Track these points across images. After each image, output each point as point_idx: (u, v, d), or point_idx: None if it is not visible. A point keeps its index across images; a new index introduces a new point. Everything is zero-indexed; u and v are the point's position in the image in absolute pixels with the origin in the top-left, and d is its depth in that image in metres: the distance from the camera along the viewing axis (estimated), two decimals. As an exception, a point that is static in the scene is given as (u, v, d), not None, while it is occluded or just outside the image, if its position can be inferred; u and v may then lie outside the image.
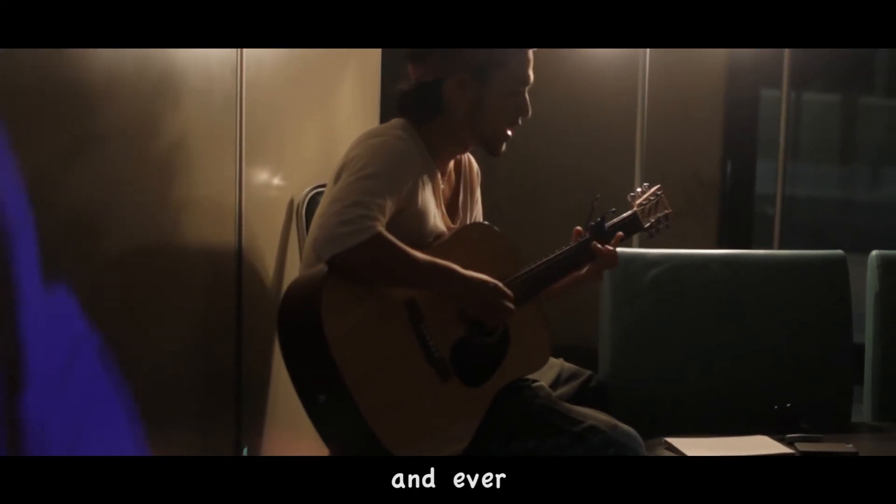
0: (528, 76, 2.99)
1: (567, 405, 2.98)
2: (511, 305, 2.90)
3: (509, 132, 3.01)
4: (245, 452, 3.14)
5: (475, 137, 3.01)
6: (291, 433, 3.46)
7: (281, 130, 3.38)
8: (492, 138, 3.01)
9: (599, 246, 3.09)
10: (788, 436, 3.34)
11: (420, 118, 2.95)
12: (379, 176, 2.76)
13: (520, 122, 3.02)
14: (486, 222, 3.17)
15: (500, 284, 2.89)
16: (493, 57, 2.92)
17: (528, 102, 3.00)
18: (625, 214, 3.23)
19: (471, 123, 2.97)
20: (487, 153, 3.05)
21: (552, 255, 3.07)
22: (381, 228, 2.69)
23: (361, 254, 2.65)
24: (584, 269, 3.12)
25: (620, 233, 3.14)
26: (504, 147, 3.03)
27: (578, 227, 3.12)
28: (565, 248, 3.09)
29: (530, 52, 2.98)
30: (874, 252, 3.86)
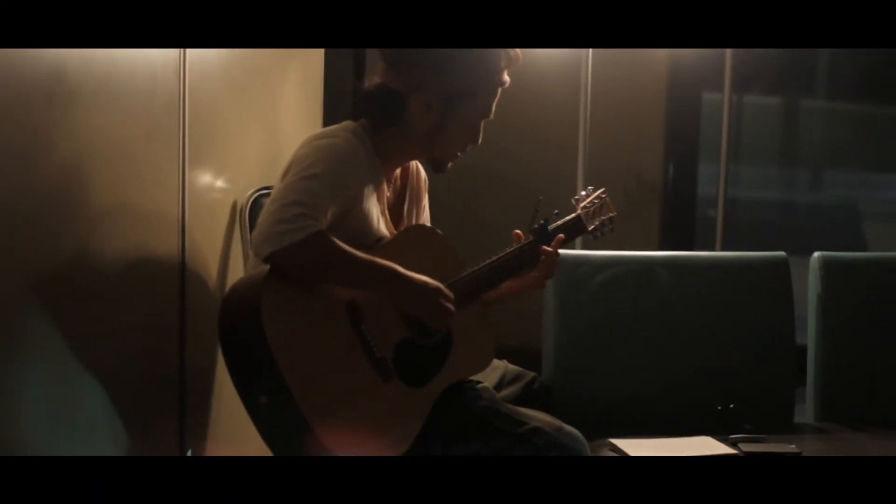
0: (491, 109, 3.01)
1: (511, 407, 2.97)
2: (452, 308, 2.89)
3: (459, 153, 3.03)
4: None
5: (426, 154, 3.02)
6: (235, 438, 3.44)
7: (224, 132, 3.35)
8: (442, 158, 3.02)
9: (543, 247, 3.08)
10: (732, 437, 3.35)
11: (377, 123, 2.94)
12: (322, 177, 2.74)
13: (468, 148, 3.03)
14: (427, 225, 3.16)
15: (442, 287, 2.88)
16: (466, 86, 2.93)
17: (482, 132, 3.02)
18: (568, 217, 3.23)
19: (426, 141, 2.97)
20: (433, 169, 3.07)
21: (495, 258, 3.06)
22: (321, 228, 2.68)
23: (299, 252, 2.64)
24: (528, 276, 3.12)
25: (561, 234, 3.13)
26: (450, 166, 3.04)
27: (518, 231, 3.12)
28: (508, 251, 3.08)
29: (499, 87, 2.99)
30: (816, 254, 3.89)
